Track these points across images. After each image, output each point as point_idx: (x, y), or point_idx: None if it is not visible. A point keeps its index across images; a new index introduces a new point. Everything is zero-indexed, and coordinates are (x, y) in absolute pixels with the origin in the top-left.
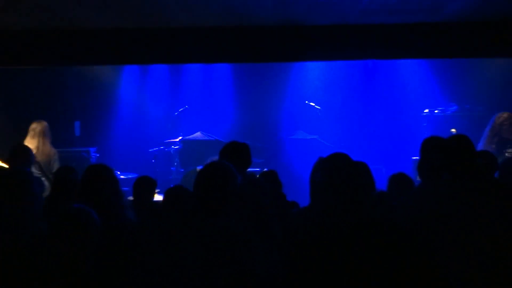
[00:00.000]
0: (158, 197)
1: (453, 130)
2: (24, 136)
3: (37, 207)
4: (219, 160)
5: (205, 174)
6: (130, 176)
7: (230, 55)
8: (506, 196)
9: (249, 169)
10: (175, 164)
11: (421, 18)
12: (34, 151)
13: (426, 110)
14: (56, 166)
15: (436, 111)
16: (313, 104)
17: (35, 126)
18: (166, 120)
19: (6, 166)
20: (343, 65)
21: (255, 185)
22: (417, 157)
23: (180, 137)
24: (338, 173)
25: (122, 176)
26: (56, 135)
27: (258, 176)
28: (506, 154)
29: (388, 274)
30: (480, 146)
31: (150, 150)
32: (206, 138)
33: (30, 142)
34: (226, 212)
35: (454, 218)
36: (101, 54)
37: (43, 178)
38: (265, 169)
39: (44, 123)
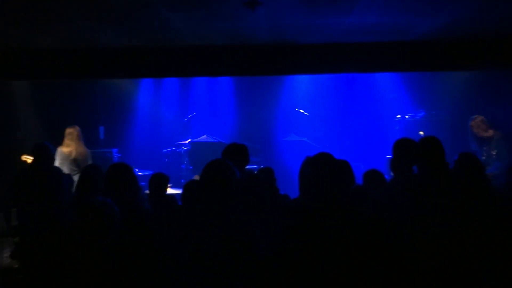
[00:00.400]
0: (170, 191)
1: (421, 132)
2: (56, 139)
3: (67, 198)
4: (220, 158)
5: (210, 169)
6: (146, 173)
7: (231, 70)
8: (466, 189)
9: (247, 166)
10: (185, 162)
11: (393, 37)
12: (74, 152)
13: (398, 116)
14: (90, 163)
15: (406, 116)
16: (302, 111)
17: (71, 131)
18: (177, 125)
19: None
20: (328, 77)
21: (253, 179)
22: (390, 156)
23: (189, 140)
24: (323, 169)
25: (140, 173)
26: (83, 138)
27: (256, 172)
28: (483, 153)
29: (363, 251)
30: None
31: (163, 150)
32: (211, 140)
33: (69, 145)
34: (230, 200)
35: (420, 206)
36: (121, 68)
37: (77, 175)
38: (261, 166)
39: (77, 128)
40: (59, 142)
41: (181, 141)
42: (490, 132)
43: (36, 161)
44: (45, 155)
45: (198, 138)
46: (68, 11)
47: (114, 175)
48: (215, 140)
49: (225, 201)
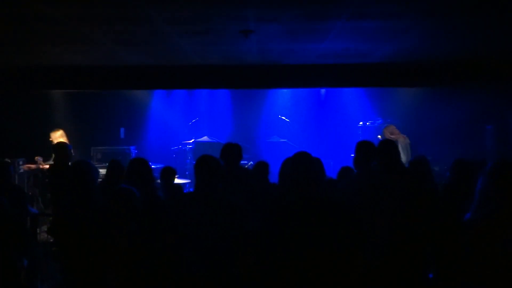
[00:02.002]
0: (177, 181)
1: (379, 136)
2: (85, 138)
3: (93, 186)
4: (207, 154)
5: (204, 162)
6: (158, 166)
7: (228, 84)
8: (413, 183)
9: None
10: (189, 158)
11: (357, 60)
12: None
13: (361, 123)
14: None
15: (367, 123)
16: (284, 117)
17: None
18: (183, 127)
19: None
20: (305, 91)
21: (245, 172)
22: (353, 154)
23: (193, 140)
24: (302, 164)
25: (153, 166)
26: (107, 137)
27: (254, 165)
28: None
29: (329, 233)
30: None
31: (172, 148)
32: (210, 140)
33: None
34: (217, 183)
35: (376, 195)
36: (139, 81)
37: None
38: (251, 162)
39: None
40: (88, 141)
41: (186, 141)
42: (398, 137)
43: (61, 156)
44: (67, 151)
45: (200, 139)
46: (98, 36)
47: (136, 167)
48: (214, 140)
49: (212, 184)
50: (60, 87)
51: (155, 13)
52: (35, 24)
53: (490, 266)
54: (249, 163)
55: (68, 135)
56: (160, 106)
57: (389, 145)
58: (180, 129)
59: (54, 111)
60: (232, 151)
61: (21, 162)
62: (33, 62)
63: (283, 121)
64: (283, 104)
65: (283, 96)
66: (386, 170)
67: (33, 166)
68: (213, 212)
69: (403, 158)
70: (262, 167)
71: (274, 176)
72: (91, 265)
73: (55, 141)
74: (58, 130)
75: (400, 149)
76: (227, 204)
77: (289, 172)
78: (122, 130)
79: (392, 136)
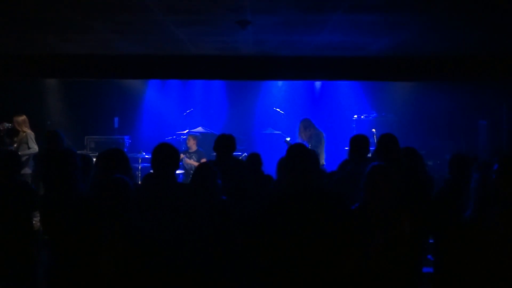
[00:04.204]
0: None
1: (373, 130)
2: (78, 127)
3: (79, 175)
4: (165, 142)
5: (160, 149)
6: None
7: (223, 75)
8: (406, 173)
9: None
10: (183, 148)
11: (353, 53)
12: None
13: (355, 116)
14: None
15: (362, 117)
16: (278, 109)
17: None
18: (177, 117)
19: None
20: (300, 83)
21: (238, 163)
22: (347, 147)
23: (187, 130)
24: (296, 157)
25: (146, 156)
26: (101, 126)
27: (246, 157)
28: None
29: (325, 221)
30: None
31: (166, 138)
32: (205, 131)
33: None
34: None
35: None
36: (134, 71)
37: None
38: (245, 153)
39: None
40: (82, 130)
41: (180, 131)
42: (313, 130)
43: (52, 144)
44: (59, 139)
45: (195, 129)
46: (94, 25)
47: (113, 156)
48: (208, 131)
49: (167, 169)
50: (54, 76)
51: (152, 3)
52: (30, 12)
53: (495, 264)
54: (243, 155)
55: (61, 123)
56: (155, 96)
57: (389, 139)
58: (174, 119)
59: (48, 99)
60: (225, 142)
61: None
62: (28, 51)
63: (277, 113)
64: (278, 96)
65: (278, 88)
66: (385, 163)
67: None
68: (170, 195)
69: (320, 151)
70: (254, 158)
71: (267, 168)
72: (82, 254)
73: (17, 126)
74: (21, 115)
75: (314, 143)
76: (182, 188)
77: (285, 163)
78: (116, 119)
79: (306, 130)
